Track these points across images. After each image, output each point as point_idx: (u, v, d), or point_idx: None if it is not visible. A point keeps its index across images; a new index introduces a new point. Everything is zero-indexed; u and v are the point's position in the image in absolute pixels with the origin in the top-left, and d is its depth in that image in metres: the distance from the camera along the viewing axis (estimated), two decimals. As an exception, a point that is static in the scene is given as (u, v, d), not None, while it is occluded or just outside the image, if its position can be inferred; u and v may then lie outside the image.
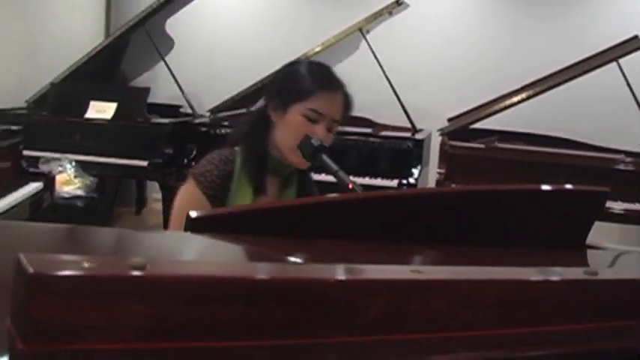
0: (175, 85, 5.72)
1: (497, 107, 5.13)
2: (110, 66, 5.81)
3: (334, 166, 1.98)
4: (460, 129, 5.23)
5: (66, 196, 4.61)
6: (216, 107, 5.88)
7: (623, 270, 1.19)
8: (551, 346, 0.79)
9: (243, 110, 5.62)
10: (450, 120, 5.50)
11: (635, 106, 4.95)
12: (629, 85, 4.89)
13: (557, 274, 0.81)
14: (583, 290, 0.81)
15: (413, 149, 5.11)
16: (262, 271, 0.72)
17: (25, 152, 4.38)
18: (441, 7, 6.66)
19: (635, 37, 4.88)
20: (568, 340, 0.80)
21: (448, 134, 5.15)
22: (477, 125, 5.30)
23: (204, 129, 5.41)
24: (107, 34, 6.76)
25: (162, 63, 5.74)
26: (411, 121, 5.43)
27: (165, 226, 5.34)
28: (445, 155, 4.96)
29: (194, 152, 5.27)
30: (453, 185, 4.77)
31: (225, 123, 5.47)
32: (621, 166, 4.78)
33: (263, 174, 2.14)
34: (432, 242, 1.13)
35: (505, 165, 4.78)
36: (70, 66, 5.59)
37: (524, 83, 5.12)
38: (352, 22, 5.42)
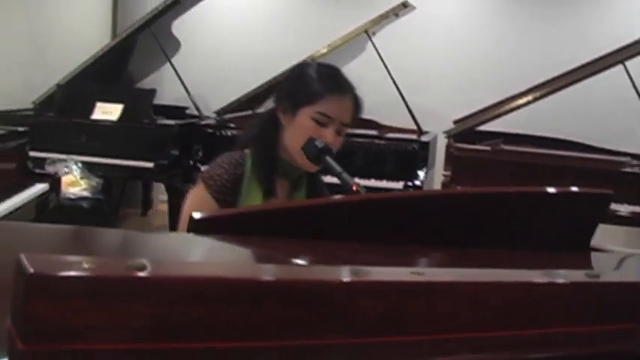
0: (181, 86, 5.73)
1: (503, 109, 5.13)
2: (116, 67, 5.83)
3: (338, 168, 1.98)
4: (466, 131, 5.23)
5: (72, 197, 4.62)
6: (222, 109, 5.90)
7: (628, 273, 1.19)
8: (553, 348, 0.79)
9: (249, 112, 5.64)
10: (456, 122, 5.50)
11: (642, 109, 4.93)
12: (635, 87, 4.87)
13: (559, 276, 0.81)
14: (585, 293, 0.81)
15: (419, 151, 5.11)
16: (265, 272, 0.72)
17: (31, 153, 4.39)
18: (447, 9, 6.65)
19: (642, 39, 4.87)
20: (571, 342, 0.80)
21: (454, 136, 5.15)
22: (483, 127, 5.30)
23: (210, 130, 5.42)
24: (114, 35, 6.78)
25: (168, 64, 5.76)
26: (416, 123, 5.43)
27: (171, 227, 5.36)
28: (451, 157, 4.96)
29: (200, 154, 5.28)
30: (459, 187, 4.76)
31: (231, 124, 5.48)
32: (627, 169, 4.77)
33: (273, 177, 2.14)
34: (437, 244, 1.13)
35: (511, 167, 4.78)
36: (76, 67, 5.62)
37: (531, 85, 5.12)
38: (359, 24, 5.43)
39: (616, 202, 4.53)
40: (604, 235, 1.48)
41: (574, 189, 1.32)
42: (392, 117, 5.60)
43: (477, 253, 1.11)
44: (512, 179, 4.60)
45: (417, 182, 5.03)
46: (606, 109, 6.12)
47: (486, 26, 6.57)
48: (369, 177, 4.94)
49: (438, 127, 5.55)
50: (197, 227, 1.09)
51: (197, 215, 1.10)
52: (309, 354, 0.64)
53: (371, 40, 5.41)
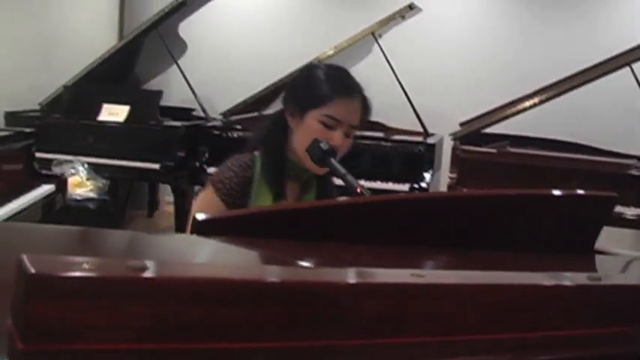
0: (188, 88, 5.74)
1: (509, 112, 5.12)
2: (123, 69, 5.85)
3: (342, 170, 1.97)
4: (472, 133, 5.22)
5: (78, 198, 4.63)
6: (229, 110, 5.90)
7: (631, 276, 1.19)
8: (555, 350, 0.79)
9: (256, 114, 5.65)
10: (462, 124, 5.49)
11: (648, 111, 4.93)
12: (642, 89, 4.86)
13: (560, 278, 0.81)
14: (587, 295, 0.81)
15: (425, 153, 5.11)
16: (267, 273, 0.72)
17: (38, 154, 4.40)
18: (453, 11, 6.64)
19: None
20: (573, 344, 0.79)
21: (460, 138, 5.14)
22: (489, 130, 5.29)
23: (216, 132, 5.42)
24: (120, 36, 6.79)
25: (174, 66, 5.77)
26: (423, 125, 5.42)
27: (177, 228, 5.37)
28: (457, 159, 4.96)
29: (206, 155, 5.28)
30: (465, 189, 4.75)
31: (238, 126, 5.48)
32: (634, 172, 4.75)
33: (282, 179, 2.13)
34: (442, 246, 1.13)
35: (517, 170, 4.77)
36: (83, 69, 5.63)
37: (537, 87, 5.11)
38: (365, 26, 5.42)
39: (622, 204, 4.51)
40: (610, 238, 1.48)
41: (579, 191, 1.32)
42: (398, 119, 5.59)
43: (481, 255, 1.11)
44: (518, 182, 4.59)
45: (423, 184, 5.02)
46: (612, 111, 6.10)
47: (493, 28, 6.56)
48: (375, 179, 4.94)
49: (444, 129, 5.54)
50: (201, 228, 1.09)
51: (201, 216, 1.10)
52: (311, 355, 0.64)
53: (377, 42, 5.41)
